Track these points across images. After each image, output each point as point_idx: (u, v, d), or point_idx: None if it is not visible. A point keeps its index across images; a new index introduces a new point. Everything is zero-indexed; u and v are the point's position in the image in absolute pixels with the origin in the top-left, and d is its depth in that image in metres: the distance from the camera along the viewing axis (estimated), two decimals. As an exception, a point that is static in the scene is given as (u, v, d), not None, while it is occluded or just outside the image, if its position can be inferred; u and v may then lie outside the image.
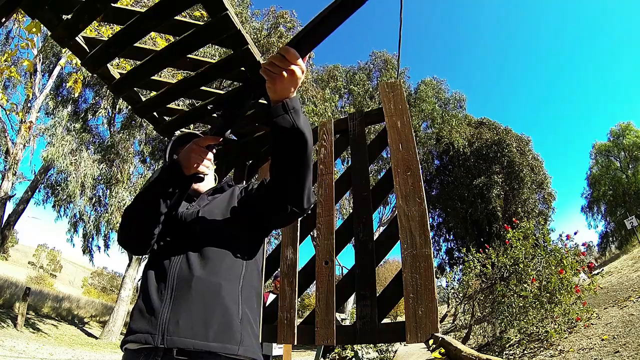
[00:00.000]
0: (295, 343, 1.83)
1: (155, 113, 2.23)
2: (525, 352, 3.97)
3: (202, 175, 1.01)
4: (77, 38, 1.74)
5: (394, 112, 2.05)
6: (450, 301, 7.98)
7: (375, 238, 1.88)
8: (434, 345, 1.53)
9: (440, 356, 1.52)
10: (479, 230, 17.08)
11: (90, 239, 12.74)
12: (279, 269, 2.04)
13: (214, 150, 1.03)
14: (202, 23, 1.64)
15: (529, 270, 4.24)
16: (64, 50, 2.92)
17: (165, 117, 2.33)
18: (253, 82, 0.89)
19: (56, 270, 43.70)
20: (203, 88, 2.10)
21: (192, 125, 2.75)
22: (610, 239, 21.88)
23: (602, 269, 9.09)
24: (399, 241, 1.74)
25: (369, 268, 1.80)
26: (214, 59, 2.12)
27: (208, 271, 0.91)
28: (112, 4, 1.56)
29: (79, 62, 2.17)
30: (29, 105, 11.44)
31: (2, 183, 11.22)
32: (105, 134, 12.80)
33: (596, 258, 17.80)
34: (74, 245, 15.73)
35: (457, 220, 17.49)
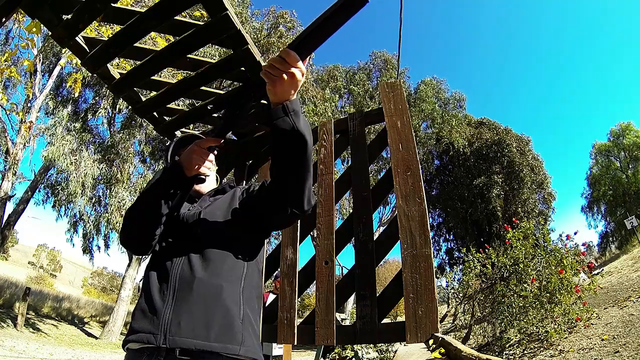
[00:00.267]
0: (295, 343, 1.84)
1: (155, 113, 2.23)
2: (525, 352, 3.97)
3: (203, 177, 1.01)
4: (77, 38, 1.74)
5: (394, 112, 2.05)
6: (450, 301, 7.98)
7: (375, 238, 1.88)
8: (434, 345, 1.53)
9: (440, 356, 1.52)
10: (479, 230, 17.08)
11: (90, 239, 12.73)
12: (279, 269, 2.04)
13: (215, 152, 1.03)
14: (202, 23, 1.64)
15: (529, 270, 4.24)
16: (64, 50, 2.92)
17: (165, 117, 2.33)
18: (254, 84, 0.90)
19: (56, 270, 43.70)
20: (203, 88, 2.10)
21: (192, 125, 2.75)
22: (610, 239, 21.88)
23: (602, 269, 9.09)
24: (399, 241, 1.74)
25: (369, 268, 1.80)
26: (214, 59, 2.12)
27: (209, 273, 0.92)
28: (112, 4, 1.56)
29: (79, 62, 2.17)
30: (29, 105, 11.45)
31: (2, 183, 11.22)
32: (105, 134, 12.81)
33: (596, 258, 17.80)
34: (73, 245, 15.75)
35: (457, 220, 17.49)
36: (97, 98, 12.09)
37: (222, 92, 2.14)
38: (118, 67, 2.76)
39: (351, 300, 12.31)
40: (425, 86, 17.80)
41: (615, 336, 3.31)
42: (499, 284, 4.55)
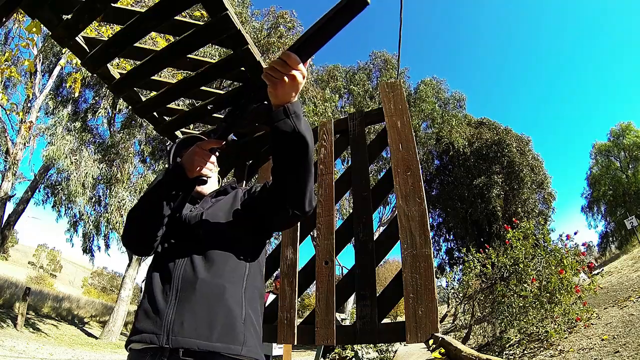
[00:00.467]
0: (295, 343, 1.84)
1: (155, 113, 2.24)
2: (525, 352, 3.97)
3: (205, 178, 1.02)
4: (77, 38, 1.74)
5: (394, 112, 2.05)
6: (450, 301, 7.98)
7: (375, 238, 1.88)
8: (434, 345, 1.53)
9: (440, 356, 1.52)
10: (479, 230, 17.08)
11: (91, 239, 12.73)
12: (279, 269, 2.05)
13: (217, 153, 1.04)
14: (202, 23, 1.64)
15: (529, 270, 4.23)
16: (64, 50, 2.92)
17: (165, 117, 2.33)
18: (255, 87, 0.90)
19: (56, 270, 43.70)
20: (203, 88, 2.10)
21: (192, 125, 2.75)
22: (610, 239, 21.88)
23: (602, 269, 9.09)
24: (399, 241, 1.74)
25: (369, 268, 1.80)
26: (214, 59, 2.12)
27: (212, 274, 0.93)
28: (112, 4, 1.56)
29: (78, 62, 2.17)
30: (29, 105, 11.45)
31: (2, 183, 11.22)
32: (105, 134, 12.81)
33: (596, 258, 17.80)
34: (72, 245, 15.78)
35: (457, 220, 17.49)
36: (97, 98, 12.09)
37: (222, 92, 2.14)
38: (118, 67, 2.76)
39: (351, 300, 12.31)
40: (425, 86, 17.80)
41: (615, 336, 3.31)
42: (499, 284, 4.54)
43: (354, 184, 2.06)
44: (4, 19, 1.70)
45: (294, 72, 0.78)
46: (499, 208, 15.90)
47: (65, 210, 12.28)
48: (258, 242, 1.09)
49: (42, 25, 2.06)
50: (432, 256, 1.67)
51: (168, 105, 2.18)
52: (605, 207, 22.61)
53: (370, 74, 18.20)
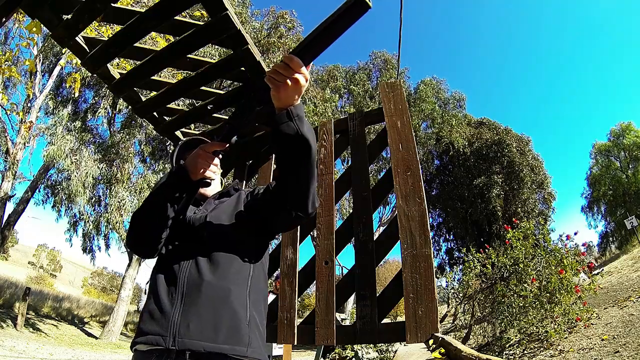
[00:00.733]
0: (295, 343, 1.84)
1: (155, 113, 2.24)
2: (525, 352, 3.97)
3: (208, 181, 1.03)
4: (77, 38, 1.74)
5: (394, 112, 2.05)
6: (450, 301, 7.97)
7: (375, 238, 1.88)
8: (434, 345, 1.53)
9: (440, 356, 1.51)
10: (479, 230, 17.08)
11: (91, 239, 12.74)
12: (279, 269, 2.05)
13: (220, 156, 1.05)
14: (202, 23, 1.64)
15: (529, 270, 4.23)
16: (64, 50, 2.92)
17: (165, 117, 2.33)
18: (258, 89, 0.91)
19: (56, 270, 43.70)
20: (203, 88, 2.10)
21: (192, 125, 2.75)
22: (610, 239, 21.88)
23: (602, 269, 9.08)
24: (399, 241, 1.74)
25: (369, 268, 1.80)
26: (214, 59, 2.12)
27: (217, 276, 0.94)
28: (112, 4, 1.56)
29: (78, 62, 2.17)
30: (29, 105, 11.45)
31: (2, 183, 11.22)
32: (106, 134, 12.81)
33: (596, 258, 17.79)
34: (71, 244, 15.78)
35: (457, 220, 17.48)
36: (97, 98, 12.09)
37: (222, 92, 2.14)
38: (118, 67, 2.76)
39: (351, 300, 12.31)
40: (425, 86, 17.79)
41: (615, 336, 3.31)
42: (499, 284, 4.54)
43: (354, 184, 2.06)
44: (4, 19, 1.70)
45: (296, 75, 0.78)
46: (499, 208, 15.90)
47: (66, 210, 12.29)
48: (261, 243, 1.10)
49: (42, 25, 2.06)
50: (432, 256, 1.67)
51: (168, 105, 2.18)
52: (605, 207, 22.62)
53: (370, 74, 18.19)
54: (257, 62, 1.78)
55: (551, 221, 17.08)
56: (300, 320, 1.91)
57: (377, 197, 2.01)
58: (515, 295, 4.20)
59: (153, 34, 2.91)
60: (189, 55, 1.83)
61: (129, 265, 12.81)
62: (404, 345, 6.90)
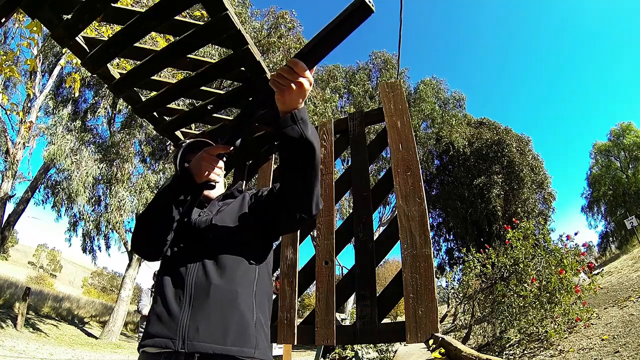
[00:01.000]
0: (295, 343, 1.83)
1: (155, 113, 2.24)
2: (525, 352, 3.97)
3: (213, 183, 1.04)
4: (77, 38, 1.74)
5: (394, 112, 2.05)
6: (450, 301, 7.97)
7: (375, 238, 1.88)
8: (434, 345, 1.53)
9: (440, 356, 1.51)
10: (479, 230, 17.07)
11: (91, 239, 12.74)
12: (279, 269, 2.04)
13: (225, 159, 1.05)
14: (202, 23, 1.64)
15: (529, 270, 4.23)
16: (64, 50, 2.92)
17: (165, 117, 2.33)
18: (262, 93, 0.92)
19: (56, 270, 43.70)
20: (203, 88, 2.10)
21: (192, 125, 2.75)
22: (610, 239, 21.87)
23: (602, 269, 9.08)
24: (399, 241, 1.74)
25: (369, 268, 1.80)
26: (214, 59, 2.12)
27: (225, 279, 0.95)
28: (112, 4, 1.56)
29: (79, 62, 2.17)
30: (29, 105, 11.45)
31: (1, 183, 11.22)
32: (106, 134, 12.82)
33: (596, 258, 17.80)
34: (70, 244, 15.77)
35: (457, 220, 17.48)
36: (97, 98, 12.09)
37: (222, 92, 2.14)
38: (118, 67, 2.76)
39: (351, 300, 12.31)
40: (424, 86, 17.79)
41: (615, 336, 3.31)
42: (499, 284, 4.54)
43: (354, 184, 2.06)
44: (4, 19, 1.70)
45: (301, 79, 0.79)
46: (499, 208, 15.90)
47: (66, 210, 12.30)
48: (266, 245, 1.11)
49: (42, 25, 2.06)
50: (432, 256, 1.67)
51: (168, 105, 2.18)
52: (605, 207, 22.61)
53: (370, 74, 18.19)
54: (257, 62, 1.78)
55: (551, 221, 17.10)
56: (300, 320, 1.90)
57: (377, 197, 2.01)
58: (515, 295, 4.20)
59: (153, 34, 2.91)
60: (189, 55, 1.83)
61: (129, 265, 12.81)
62: (404, 345, 6.89)
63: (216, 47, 9.07)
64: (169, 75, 5.66)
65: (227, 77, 2.14)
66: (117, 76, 1.97)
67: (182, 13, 1.64)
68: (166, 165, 12.42)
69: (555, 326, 3.92)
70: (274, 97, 0.84)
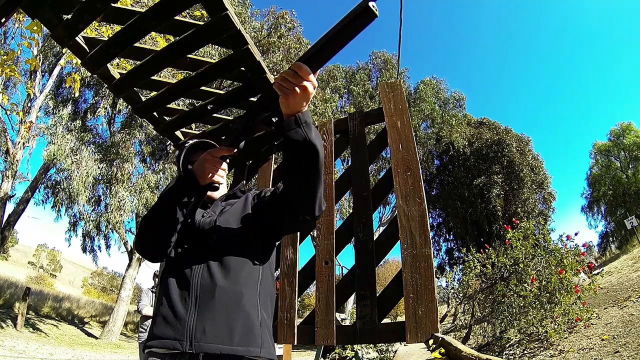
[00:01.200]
0: (295, 343, 1.83)
1: (155, 113, 2.23)
2: (525, 352, 3.97)
3: (217, 185, 1.05)
4: (77, 38, 1.74)
5: (394, 112, 2.05)
6: (450, 301, 7.97)
7: (375, 238, 1.88)
8: (434, 345, 1.53)
9: (440, 356, 1.51)
10: (479, 230, 17.07)
11: (92, 239, 12.75)
12: (279, 269, 2.04)
13: (228, 160, 1.07)
14: (202, 23, 1.64)
15: (529, 270, 4.23)
16: (64, 50, 2.92)
17: (165, 117, 2.33)
18: (267, 96, 0.92)
19: (56, 270, 43.70)
20: (203, 88, 2.10)
21: (192, 125, 2.75)
22: (610, 239, 21.86)
23: (602, 269, 9.08)
24: (399, 241, 1.74)
25: (369, 268, 1.80)
26: (214, 59, 2.12)
27: (229, 280, 0.96)
28: (112, 4, 1.56)
29: (79, 62, 2.17)
30: (29, 105, 11.45)
31: (1, 183, 11.22)
32: (106, 134, 12.82)
33: (596, 258, 17.80)
34: (70, 244, 15.76)
35: (457, 220, 17.48)
36: (97, 98, 12.09)
37: (222, 92, 2.14)
38: (118, 67, 2.76)
39: (351, 300, 12.31)
40: (424, 86, 17.79)
41: (615, 336, 3.31)
42: (499, 284, 4.54)
43: (354, 184, 2.06)
44: (4, 19, 1.70)
45: (305, 83, 0.79)
46: (499, 208, 15.89)
47: (66, 210, 12.29)
48: (269, 246, 1.12)
49: (42, 25, 2.06)
50: (432, 256, 1.67)
51: (168, 105, 2.18)
52: (605, 207, 22.60)
53: (370, 73, 18.19)
54: (257, 62, 1.78)
55: (551, 221, 17.09)
56: (300, 320, 1.90)
57: (377, 197, 2.01)
58: (515, 295, 4.20)
59: (153, 34, 2.91)
60: (189, 55, 1.83)
61: (129, 265, 12.82)
62: (404, 345, 6.89)
63: (216, 47, 9.07)
64: (169, 75, 5.66)
65: (227, 77, 2.14)
66: (117, 76, 1.97)
67: (182, 13, 1.64)
68: (166, 165, 12.42)
69: (555, 326, 3.92)
70: (278, 100, 0.85)
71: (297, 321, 1.86)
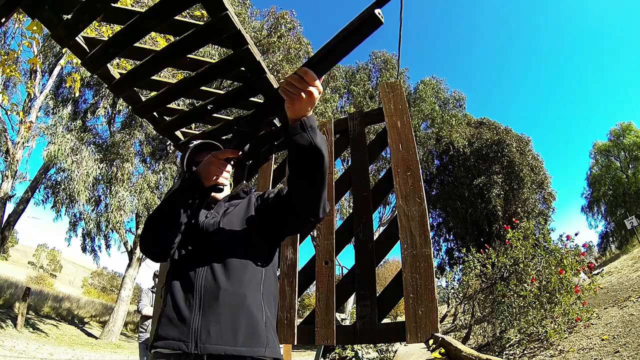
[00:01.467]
0: (295, 343, 1.83)
1: (155, 113, 2.23)
2: (525, 352, 3.97)
3: (221, 187, 1.06)
4: (77, 38, 1.74)
5: (394, 112, 2.05)
6: (450, 301, 7.98)
7: (375, 238, 1.88)
8: (434, 345, 1.53)
9: (440, 356, 1.51)
10: (479, 230, 17.07)
11: (92, 239, 12.74)
12: (279, 270, 2.04)
13: (232, 162, 1.07)
14: (202, 23, 1.64)
15: (529, 270, 4.23)
16: (64, 50, 2.92)
17: (165, 117, 2.32)
18: (272, 101, 0.93)
19: (56, 270, 43.69)
20: (203, 88, 2.10)
21: (192, 125, 2.75)
22: (610, 239, 21.85)
23: (602, 269, 9.08)
24: (399, 241, 1.74)
25: (369, 268, 1.80)
26: (214, 59, 2.12)
27: (233, 282, 0.98)
28: (112, 4, 1.56)
29: (79, 62, 2.17)
30: (29, 105, 11.44)
31: (1, 183, 11.22)
32: (106, 134, 12.83)
33: (596, 258, 17.79)
34: (69, 244, 15.75)
35: (457, 220, 17.48)
36: (97, 98, 12.10)
37: (222, 92, 2.14)
38: (118, 67, 2.76)
39: (351, 300, 12.31)
40: (424, 86, 17.78)
41: (615, 336, 3.31)
42: (499, 284, 4.54)
43: (354, 184, 2.06)
44: (4, 19, 1.70)
45: (310, 88, 0.80)
46: (499, 208, 15.89)
47: (66, 210, 12.28)
48: (272, 246, 1.13)
49: (42, 25, 2.06)
50: (432, 256, 1.67)
51: (168, 105, 2.18)
52: (605, 207, 22.59)
53: (370, 73, 18.19)
54: (257, 62, 1.78)
55: (551, 221, 17.08)
56: (300, 320, 1.90)
57: (377, 197, 2.01)
58: (515, 295, 4.20)
59: (153, 34, 2.90)
60: (189, 55, 1.83)
61: (129, 265, 12.82)
62: (404, 345, 6.89)
63: (216, 47, 9.07)
64: (169, 75, 5.66)
65: (227, 77, 2.14)
66: (117, 76, 1.97)
67: (182, 13, 1.64)
68: (166, 165, 12.42)
69: (555, 326, 3.93)
70: (284, 105, 0.86)
71: (297, 321, 1.86)
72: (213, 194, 1.13)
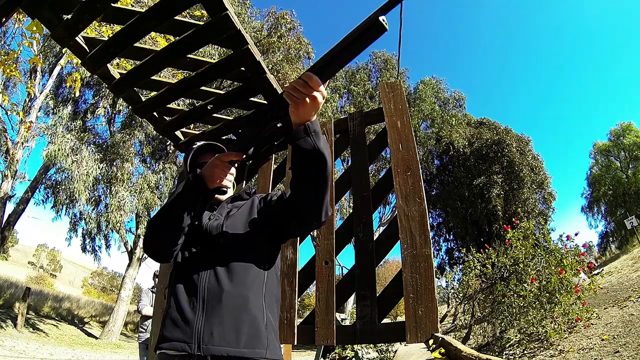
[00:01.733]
0: (295, 343, 1.83)
1: (155, 113, 2.23)
2: (525, 352, 3.97)
3: (225, 189, 1.07)
4: (77, 38, 1.74)
5: (394, 112, 2.05)
6: (450, 301, 7.98)
7: (375, 238, 1.88)
8: (434, 345, 1.53)
9: (440, 356, 1.51)
10: (479, 230, 17.07)
11: (92, 239, 12.74)
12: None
13: (236, 165, 1.08)
14: (202, 23, 1.64)
15: (529, 270, 4.23)
16: (64, 50, 2.92)
17: (165, 117, 2.32)
18: (276, 104, 0.94)
19: (56, 270, 43.66)
20: (203, 88, 2.10)
21: (192, 125, 2.75)
22: (610, 239, 21.85)
23: (602, 269, 9.08)
24: (399, 241, 1.74)
25: (369, 268, 1.80)
26: (214, 59, 2.12)
27: (235, 284, 0.99)
28: (112, 4, 1.56)
29: (79, 62, 2.17)
30: (29, 105, 11.44)
31: (1, 183, 11.22)
32: (106, 134, 12.82)
33: (596, 258, 17.79)
34: (69, 244, 15.74)
35: (457, 220, 17.47)
36: (97, 98, 12.09)
37: (222, 92, 2.14)
38: (118, 67, 2.76)
39: (351, 300, 12.31)
40: (424, 86, 17.77)
41: (615, 336, 3.31)
42: (499, 284, 4.54)
43: (354, 184, 2.06)
44: (4, 19, 1.70)
45: (315, 93, 0.81)
46: (499, 208, 15.89)
47: (66, 210, 12.28)
48: (274, 249, 1.14)
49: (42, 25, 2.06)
50: (432, 256, 1.67)
51: (168, 105, 2.18)
52: (605, 207, 22.59)
53: (370, 74, 18.19)
54: (257, 62, 1.78)
55: (551, 221, 17.09)
56: (300, 320, 1.91)
57: (377, 197, 2.01)
58: (515, 295, 4.20)
59: (153, 33, 2.90)
60: (189, 55, 1.83)
61: (129, 265, 12.82)
62: (404, 345, 6.89)
63: (216, 47, 9.07)
64: (169, 75, 5.66)
65: (227, 77, 2.14)
66: (117, 76, 1.97)
67: (182, 13, 1.64)
68: (166, 165, 12.42)
69: (555, 326, 3.92)
70: (288, 109, 0.86)
71: (297, 321, 1.87)
72: (216, 195, 1.14)
